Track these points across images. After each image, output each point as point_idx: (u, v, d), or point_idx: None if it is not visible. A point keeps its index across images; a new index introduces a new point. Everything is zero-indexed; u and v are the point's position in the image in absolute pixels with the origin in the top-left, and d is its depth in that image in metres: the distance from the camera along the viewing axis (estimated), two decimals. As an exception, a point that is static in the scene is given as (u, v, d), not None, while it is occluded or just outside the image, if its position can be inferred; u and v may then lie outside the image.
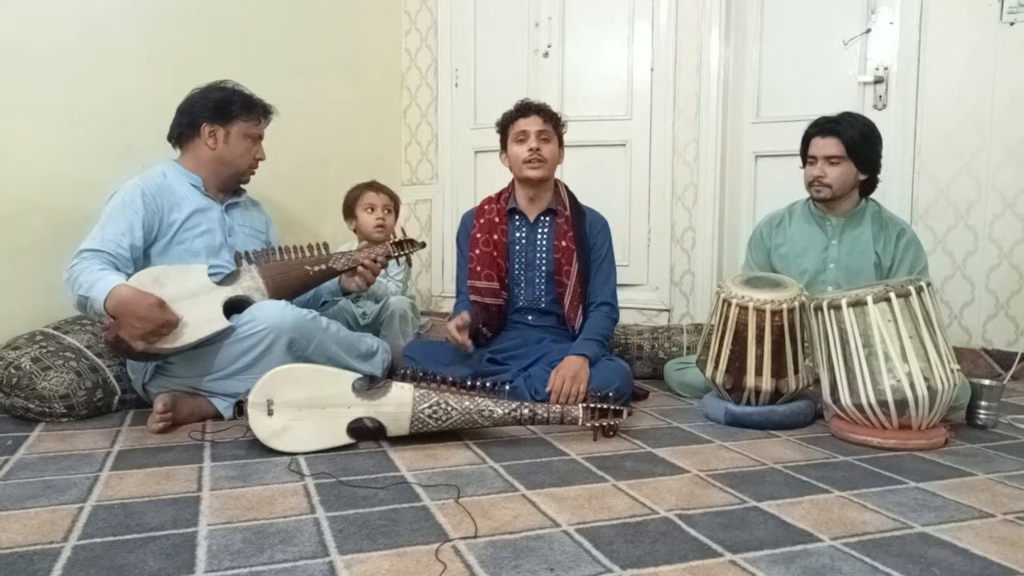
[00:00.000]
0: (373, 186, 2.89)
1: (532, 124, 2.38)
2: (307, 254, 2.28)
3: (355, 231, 2.90)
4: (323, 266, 2.27)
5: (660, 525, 1.40)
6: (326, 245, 2.32)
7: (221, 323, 2.05)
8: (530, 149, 2.36)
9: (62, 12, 2.43)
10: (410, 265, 2.97)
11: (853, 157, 2.38)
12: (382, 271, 2.42)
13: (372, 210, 2.84)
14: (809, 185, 2.45)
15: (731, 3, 3.22)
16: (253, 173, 2.36)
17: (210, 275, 2.13)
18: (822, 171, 2.39)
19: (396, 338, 2.67)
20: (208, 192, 2.29)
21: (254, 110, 2.28)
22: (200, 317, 2.03)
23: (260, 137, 2.33)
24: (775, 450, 1.92)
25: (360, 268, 2.29)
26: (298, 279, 2.25)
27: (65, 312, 2.33)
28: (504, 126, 2.45)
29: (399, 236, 2.45)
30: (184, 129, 2.27)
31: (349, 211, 2.90)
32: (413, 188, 3.81)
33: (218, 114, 2.23)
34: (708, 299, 3.20)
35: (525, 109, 2.42)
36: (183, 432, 2.00)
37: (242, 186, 2.42)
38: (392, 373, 2.24)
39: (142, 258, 2.16)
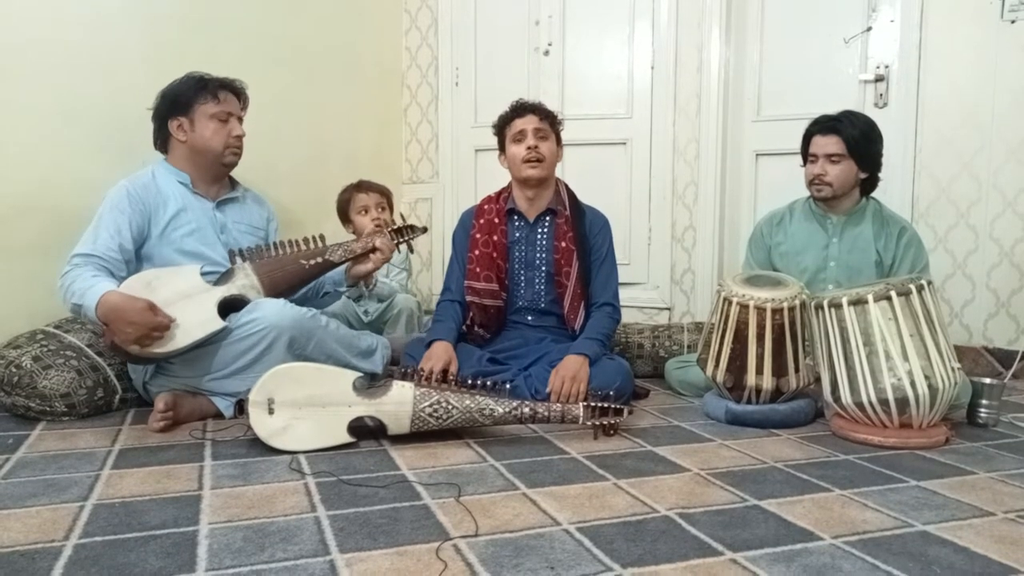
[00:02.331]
0: (361, 187, 2.88)
1: (528, 123, 2.37)
2: (302, 247, 2.25)
3: (353, 233, 2.89)
4: (319, 259, 2.25)
5: (661, 524, 1.40)
6: (322, 237, 2.29)
7: (216, 324, 2.04)
8: (528, 148, 2.35)
9: (63, 11, 2.42)
10: (412, 251, 2.91)
11: (854, 155, 2.38)
12: (379, 271, 2.42)
13: (366, 212, 2.83)
14: (810, 183, 2.44)
15: (731, 1, 3.21)
16: (235, 153, 2.29)
17: (204, 275, 2.12)
18: (823, 169, 2.39)
19: (402, 336, 2.67)
20: (197, 189, 2.28)
21: (207, 89, 2.24)
22: (194, 319, 2.02)
23: (229, 115, 2.26)
24: (776, 449, 1.92)
25: (375, 249, 2.28)
26: (294, 274, 2.23)
27: (65, 311, 2.33)
28: (500, 127, 2.44)
29: (398, 223, 2.42)
30: (158, 133, 2.29)
31: (344, 216, 2.89)
32: (413, 187, 3.81)
33: (176, 106, 2.23)
34: (709, 298, 3.20)
35: (520, 109, 2.41)
36: (184, 431, 2.00)
37: (239, 180, 2.41)
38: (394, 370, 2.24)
39: (135, 259, 2.15)
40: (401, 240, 2.39)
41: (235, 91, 2.30)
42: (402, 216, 2.48)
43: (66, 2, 2.44)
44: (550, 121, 2.40)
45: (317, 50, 3.30)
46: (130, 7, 2.61)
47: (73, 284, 1.99)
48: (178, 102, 2.23)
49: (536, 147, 2.35)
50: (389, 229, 2.39)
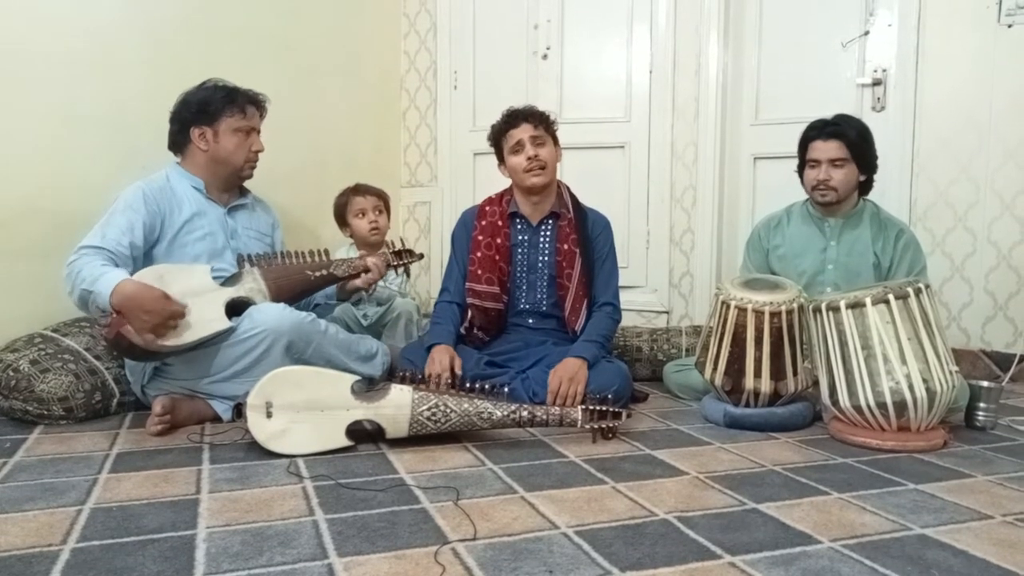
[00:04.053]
0: (359, 190, 2.88)
1: (524, 132, 2.35)
2: (307, 259, 2.30)
3: (351, 236, 2.89)
4: (324, 272, 2.30)
5: (659, 527, 1.40)
6: (327, 252, 2.35)
7: (223, 323, 2.05)
8: (528, 157, 2.34)
9: (64, 13, 2.42)
10: (408, 276, 2.98)
11: (856, 159, 2.37)
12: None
13: (363, 215, 2.83)
14: (813, 189, 2.43)
15: (730, 5, 3.22)
16: (253, 167, 2.33)
17: (213, 277, 2.14)
18: (827, 175, 2.38)
19: (400, 340, 2.67)
20: (211, 195, 2.30)
21: (236, 103, 2.25)
22: (203, 316, 2.03)
23: (252, 129, 2.29)
24: (774, 452, 1.92)
25: (365, 272, 2.35)
26: (299, 283, 2.27)
27: (64, 314, 2.33)
28: (496, 138, 2.43)
29: (397, 246, 2.47)
30: (177, 136, 2.28)
31: (341, 219, 2.90)
32: (412, 190, 3.81)
33: (202, 115, 2.23)
34: (707, 301, 3.20)
35: (513, 118, 2.38)
36: (182, 435, 2.00)
37: (245, 186, 2.42)
38: (392, 375, 2.24)
39: (143, 258, 2.15)
40: (399, 263, 2.45)
41: (258, 106, 2.31)
42: (402, 240, 2.53)
43: (66, 6, 2.44)
44: (545, 126, 2.39)
45: (316, 54, 3.30)
46: (130, 12, 2.61)
47: (83, 271, 1.97)
48: (204, 111, 2.23)
49: (536, 156, 2.34)
50: (390, 251, 2.45)
